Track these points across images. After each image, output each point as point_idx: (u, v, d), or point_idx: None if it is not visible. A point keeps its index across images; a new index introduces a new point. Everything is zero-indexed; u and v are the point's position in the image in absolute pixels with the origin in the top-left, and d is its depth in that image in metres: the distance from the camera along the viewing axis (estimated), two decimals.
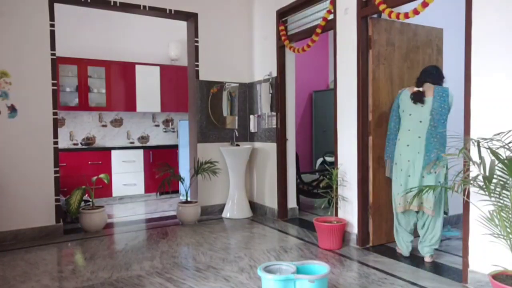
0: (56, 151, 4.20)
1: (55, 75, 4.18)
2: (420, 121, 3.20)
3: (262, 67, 5.10)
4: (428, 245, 3.22)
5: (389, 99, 3.64)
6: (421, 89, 3.23)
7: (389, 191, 3.55)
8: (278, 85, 4.78)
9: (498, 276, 2.22)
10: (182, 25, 5.30)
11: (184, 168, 5.76)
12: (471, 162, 2.35)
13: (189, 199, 4.84)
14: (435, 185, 3.03)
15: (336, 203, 3.84)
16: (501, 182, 2.21)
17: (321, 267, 2.48)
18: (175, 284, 2.84)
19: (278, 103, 4.78)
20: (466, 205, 2.67)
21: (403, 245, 3.37)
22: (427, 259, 3.21)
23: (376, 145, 3.61)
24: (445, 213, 3.28)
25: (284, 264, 2.48)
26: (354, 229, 3.69)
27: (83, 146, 6.30)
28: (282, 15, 4.71)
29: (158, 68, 6.67)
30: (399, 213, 3.35)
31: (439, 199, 3.17)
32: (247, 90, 5.40)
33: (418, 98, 3.22)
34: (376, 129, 3.62)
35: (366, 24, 3.58)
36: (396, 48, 3.68)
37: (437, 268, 3.07)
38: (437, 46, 3.93)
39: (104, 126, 6.60)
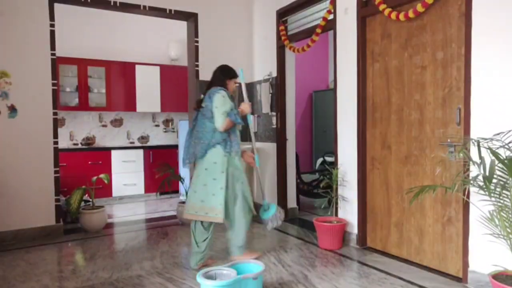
0: (56, 151, 4.20)
1: (55, 75, 4.18)
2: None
3: (262, 67, 5.10)
4: (232, 243, 3.25)
5: (385, 98, 3.41)
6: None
7: (384, 194, 3.45)
8: (278, 85, 4.78)
9: (498, 276, 2.22)
10: (182, 25, 5.30)
11: (184, 168, 5.74)
12: (471, 162, 2.36)
13: None
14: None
15: (336, 203, 3.84)
16: (501, 182, 2.21)
17: (252, 265, 2.64)
18: (175, 284, 2.84)
19: (278, 103, 4.78)
20: (466, 205, 2.67)
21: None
22: (233, 257, 3.21)
23: (371, 145, 3.59)
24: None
25: (223, 268, 2.50)
26: (354, 229, 3.69)
27: (83, 146, 6.31)
28: (282, 15, 4.71)
29: (158, 68, 6.67)
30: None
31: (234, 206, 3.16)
32: None
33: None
34: (370, 130, 3.59)
35: (366, 24, 3.57)
36: (393, 38, 3.30)
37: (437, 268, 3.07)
38: (459, 12, 2.78)
39: (104, 126, 6.60)
